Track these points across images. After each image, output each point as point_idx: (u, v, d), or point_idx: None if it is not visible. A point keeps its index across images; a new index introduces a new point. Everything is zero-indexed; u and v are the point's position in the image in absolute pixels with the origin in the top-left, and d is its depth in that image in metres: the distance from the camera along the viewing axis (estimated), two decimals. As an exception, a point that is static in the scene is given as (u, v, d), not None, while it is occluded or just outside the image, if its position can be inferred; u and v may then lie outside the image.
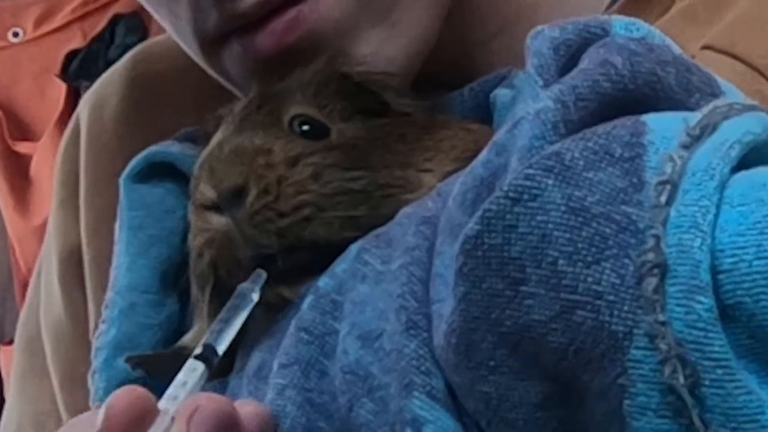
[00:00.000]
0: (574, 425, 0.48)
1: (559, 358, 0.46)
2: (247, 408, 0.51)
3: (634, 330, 0.45)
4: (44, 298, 0.85)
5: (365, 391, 0.50)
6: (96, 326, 0.79)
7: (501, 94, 0.63)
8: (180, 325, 0.64)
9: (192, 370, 0.53)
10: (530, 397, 0.47)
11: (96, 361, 0.64)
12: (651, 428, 0.45)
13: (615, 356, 0.45)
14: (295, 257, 0.56)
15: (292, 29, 0.66)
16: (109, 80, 0.86)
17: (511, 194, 0.47)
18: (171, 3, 0.70)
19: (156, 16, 0.74)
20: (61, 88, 2.01)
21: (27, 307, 0.88)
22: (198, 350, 0.54)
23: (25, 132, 2.06)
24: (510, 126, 0.51)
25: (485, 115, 0.64)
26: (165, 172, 0.67)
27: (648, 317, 0.45)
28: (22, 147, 2.04)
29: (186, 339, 0.63)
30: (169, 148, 0.67)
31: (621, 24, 0.54)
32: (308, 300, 0.54)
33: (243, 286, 0.56)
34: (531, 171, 0.47)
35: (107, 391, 0.62)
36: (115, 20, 2.03)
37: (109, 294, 0.65)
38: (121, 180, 0.67)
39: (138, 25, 2.03)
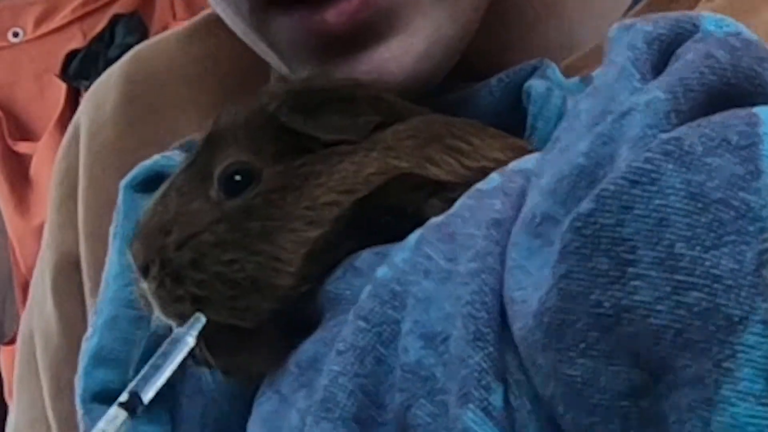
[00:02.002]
0: (652, 417, 0.48)
1: (655, 341, 0.46)
2: None
3: (750, 315, 0.45)
4: (37, 302, 0.85)
5: (425, 393, 0.50)
6: None
7: (536, 84, 0.63)
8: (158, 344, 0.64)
9: (113, 418, 0.52)
10: (616, 384, 0.47)
11: (79, 366, 0.64)
12: (748, 415, 0.45)
13: (726, 339, 0.45)
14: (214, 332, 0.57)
15: (365, 8, 0.65)
16: (107, 79, 0.86)
17: (629, 176, 0.47)
18: None
19: None
20: (61, 88, 2.01)
21: (28, 308, 0.88)
22: (123, 397, 0.53)
23: (25, 132, 2.07)
24: (617, 116, 0.51)
25: (515, 106, 0.64)
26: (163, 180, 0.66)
27: (765, 304, 0.45)
28: (22, 147, 2.05)
29: None
30: (174, 158, 0.67)
31: (711, 20, 0.54)
32: (367, 289, 0.53)
33: (177, 330, 0.56)
34: (650, 155, 0.48)
35: (83, 400, 0.63)
36: (115, 20, 2.03)
37: (99, 299, 0.65)
38: (121, 187, 0.67)
39: (138, 25, 2.03)
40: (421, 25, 0.66)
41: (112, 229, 0.67)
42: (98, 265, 0.78)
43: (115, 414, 0.53)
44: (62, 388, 0.80)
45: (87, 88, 0.88)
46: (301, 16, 0.67)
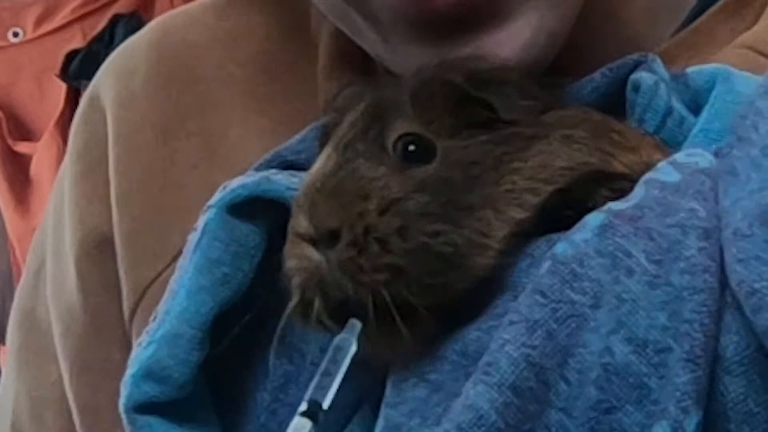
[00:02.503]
0: None
1: None
2: None
3: None
4: (53, 284, 0.82)
5: (633, 399, 0.50)
6: (131, 307, 0.78)
7: (645, 77, 0.63)
8: (202, 373, 0.62)
9: (301, 428, 0.52)
10: None
11: (127, 372, 0.63)
12: None
13: None
14: (383, 313, 0.54)
15: None
16: (133, 50, 0.84)
17: None
18: None
19: None
20: (61, 88, 2.01)
21: (25, 282, 0.86)
22: (303, 407, 0.53)
23: (25, 132, 2.06)
24: None
25: (619, 98, 0.64)
26: (261, 204, 0.64)
27: None
28: (22, 147, 2.05)
29: None
30: (273, 180, 0.64)
31: None
32: (546, 265, 0.53)
33: (339, 337, 0.55)
34: None
35: (126, 408, 0.62)
36: (115, 20, 2.03)
37: (161, 308, 0.63)
38: (214, 204, 0.64)
39: (138, 25, 2.03)
40: (526, 15, 0.66)
41: (190, 245, 0.64)
42: (136, 246, 0.78)
43: (302, 424, 0.52)
44: (86, 372, 0.79)
45: (87, 88, 0.87)
46: None
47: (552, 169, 0.57)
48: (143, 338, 0.63)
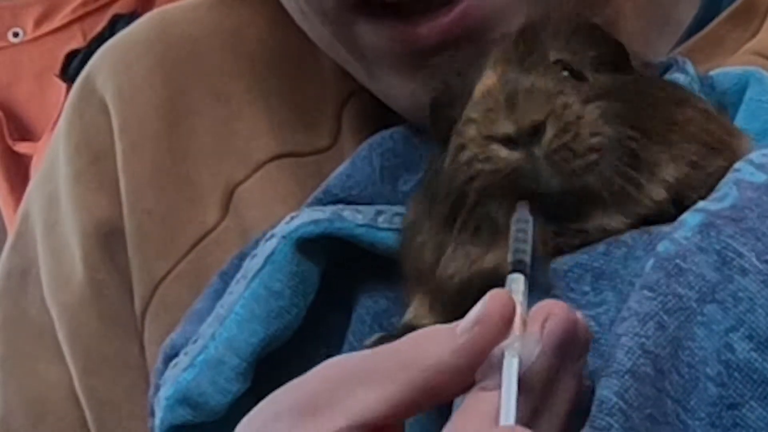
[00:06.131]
0: None
1: None
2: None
3: None
4: (52, 283, 0.81)
5: (757, 396, 0.51)
6: (143, 302, 0.77)
7: (680, 78, 0.64)
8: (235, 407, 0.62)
9: (515, 281, 0.53)
10: None
11: (159, 394, 0.63)
12: None
13: None
14: (564, 202, 0.57)
15: (459, 25, 0.66)
16: (131, 43, 0.84)
17: None
18: None
19: None
20: (61, 88, 2.01)
21: (3, 285, 0.84)
22: (509, 267, 0.54)
23: (25, 132, 2.06)
24: None
25: None
26: (325, 240, 0.65)
27: None
28: (22, 147, 2.04)
29: (408, 315, 0.62)
30: (344, 218, 0.65)
31: None
32: (650, 263, 0.54)
33: (520, 213, 0.56)
34: None
35: (161, 430, 0.61)
36: (115, 20, 2.03)
37: (205, 330, 0.63)
38: (284, 236, 0.64)
39: (138, 25, 2.03)
40: None
41: (248, 272, 0.64)
42: (148, 240, 0.77)
43: (515, 278, 0.53)
44: (102, 365, 0.79)
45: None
46: (392, 26, 0.67)
47: (701, 138, 0.59)
48: (181, 359, 0.62)
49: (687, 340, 0.52)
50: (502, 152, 0.56)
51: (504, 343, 0.49)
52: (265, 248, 0.64)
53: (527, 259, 0.54)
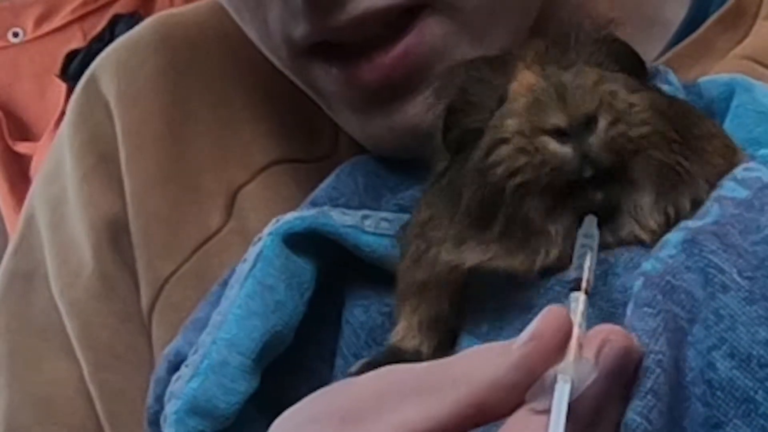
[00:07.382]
0: None
1: None
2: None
3: None
4: (61, 281, 0.81)
5: (740, 414, 0.51)
6: (149, 302, 0.78)
7: (663, 89, 0.64)
8: (250, 404, 0.62)
9: (576, 300, 0.52)
10: None
11: (168, 408, 0.62)
12: None
13: None
14: (610, 194, 0.56)
15: (400, 65, 0.67)
16: (134, 47, 0.84)
17: None
18: (258, 8, 0.70)
19: (236, 18, 0.73)
20: (61, 88, 2.01)
21: (6, 289, 0.84)
22: (570, 284, 0.53)
23: (25, 132, 2.06)
24: None
25: None
26: (314, 240, 0.65)
27: None
28: (22, 147, 2.05)
29: (395, 337, 0.61)
30: (330, 216, 0.65)
31: None
32: (639, 282, 0.53)
33: (587, 227, 0.55)
34: None
35: None
36: (115, 20, 2.03)
37: (204, 339, 0.63)
38: (270, 233, 0.65)
39: (137, 25, 2.03)
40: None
41: (240, 274, 0.64)
42: (153, 241, 0.78)
43: (577, 296, 0.52)
44: (116, 360, 0.79)
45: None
46: (338, 70, 0.69)
47: (727, 154, 0.59)
48: (183, 372, 0.62)
49: (681, 360, 0.52)
50: (551, 144, 0.55)
51: (558, 367, 0.48)
52: (255, 249, 0.65)
53: (591, 277, 0.53)
